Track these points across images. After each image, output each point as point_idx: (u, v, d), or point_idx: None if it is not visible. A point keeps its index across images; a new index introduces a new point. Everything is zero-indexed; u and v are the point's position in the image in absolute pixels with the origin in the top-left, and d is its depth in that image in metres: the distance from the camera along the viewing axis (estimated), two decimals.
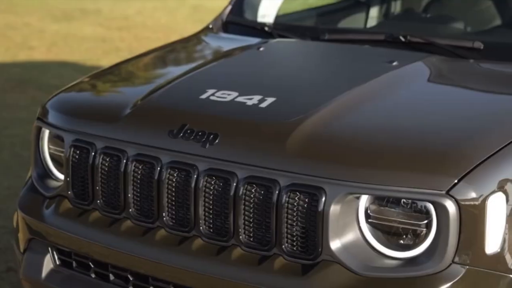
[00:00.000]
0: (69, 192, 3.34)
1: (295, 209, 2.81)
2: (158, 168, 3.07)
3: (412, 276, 2.72)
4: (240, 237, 2.93)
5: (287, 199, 2.81)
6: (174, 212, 3.07)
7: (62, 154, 3.47)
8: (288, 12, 4.77)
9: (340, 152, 2.85)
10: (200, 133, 3.04)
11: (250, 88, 3.27)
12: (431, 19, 4.45)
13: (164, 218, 3.08)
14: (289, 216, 2.82)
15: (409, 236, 2.78)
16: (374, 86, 3.24)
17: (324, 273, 2.77)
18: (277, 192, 2.83)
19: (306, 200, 2.80)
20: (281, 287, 2.81)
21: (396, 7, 4.95)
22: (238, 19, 4.41)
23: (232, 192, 2.91)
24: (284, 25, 4.33)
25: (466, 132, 2.92)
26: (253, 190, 2.89)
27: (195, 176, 2.98)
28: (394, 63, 3.42)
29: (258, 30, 4.24)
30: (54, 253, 3.36)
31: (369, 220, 2.80)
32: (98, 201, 3.25)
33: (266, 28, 4.18)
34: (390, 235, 2.80)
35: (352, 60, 3.61)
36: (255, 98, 3.15)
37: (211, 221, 2.99)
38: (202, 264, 2.97)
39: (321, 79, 3.42)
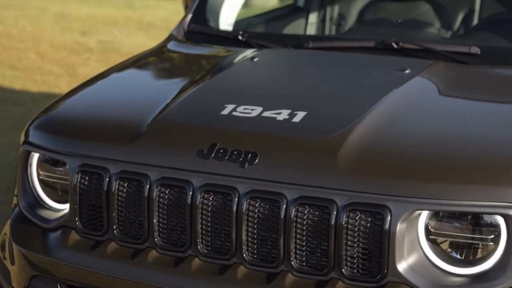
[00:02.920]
0: (77, 223, 3.04)
1: (356, 229, 2.65)
2: (190, 192, 2.83)
3: None
4: (292, 262, 2.74)
5: (346, 219, 2.65)
6: (210, 239, 2.84)
7: (56, 180, 3.17)
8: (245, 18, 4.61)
9: (402, 167, 2.70)
10: (235, 153, 2.82)
11: (271, 101, 3.08)
12: (404, 24, 4.39)
13: (199, 246, 2.84)
14: (349, 238, 2.66)
15: (474, 251, 2.68)
16: (401, 95, 3.12)
17: None
18: (335, 212, 2.66)
19: (369, 219, 2.64)
20: None
21: (365, 12, 4.86)
22: (206, 29, 4.21)
23: (282, 215, 2.71)
24: (262, 34, 4.16)
25: None
26: (306, 212, 2.70)
27: (236, 199, 2.76)
28: (407, 71, 3.32)
29: (230, 39, 4.04)
30: None
31: (430, 237, 2.68)
32: (115, 231, 2.98)
33: (240, 37, 3.98)
34: (453, 251, 2.69)
35: (363, 68, 3.48)
36: (284, 113, 2.97)
37: (255, 246, 2.78)
38: None
39: (341, 89, 3.27)
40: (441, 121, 3.00)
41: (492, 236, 2.63)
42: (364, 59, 3.60)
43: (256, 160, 2.79)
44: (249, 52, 3.80)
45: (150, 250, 2.94)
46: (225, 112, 3.01)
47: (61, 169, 3.18)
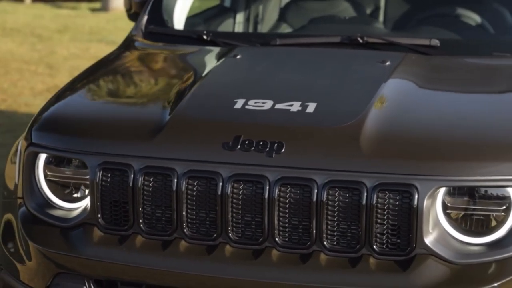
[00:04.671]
0: (100, 220, 3.13)
1: (385, 208, 2.88)
2: (220, 183, 2.98)
3: (500, 259, 2.90)
4: (324, 242, 2.94)
5: (376, 199, 2.87)
6: (240, 226, 3.00)
7: (66, 180, 3.24)
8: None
9: (424, 148, 2.96)
10: (261, 143, 2.99)
11: (278, 95, 3.26)
12: (352, 20, 4.66)
13: (230, 234, 3.00)
14: (379, 216, 2.89)
15: (487, 222, 2.96)
16: (397, 84, 3.37)
17: (424, 266, 2.88)
18: (365, 193, 2.88)
19: (397, 198, 2.88)
20: (386, 286, 2.87)
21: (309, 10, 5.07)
22: (170, 30, 4.35)
23: (314, 199, 2.91)
24: (227, 34, 4.32)
25: None
26: (336, 194, 2.91)
27: (267, 186, 2.94)
28: (388, 63, 3.58)
29: (194, 38, 4.18)
30: (92, 285, 3.12)
31: (447, 211, 2.94)
32: (141, 225, 3.08)
33: (205, 37, 4.13)
34: (468, 223, 2.97)
35: (347, 62, 3.71)
36: (296, 105, 3.16)
37: (287, 230, 2.97)
38: (288, 273, 2.94)
39: (338, 81, 3.48)
40: (442, 105, 3.29)
41: (504, 207, 2.92)
42: (344, 53, 3.84)
43: (283, 149, 2.97)
44: (221, 50, 3.96)
45: (179, 240, 3.06)
46: (238, 106, 3.18)
47: (72, 168, 3.24)
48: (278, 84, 3.44)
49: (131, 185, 3.06)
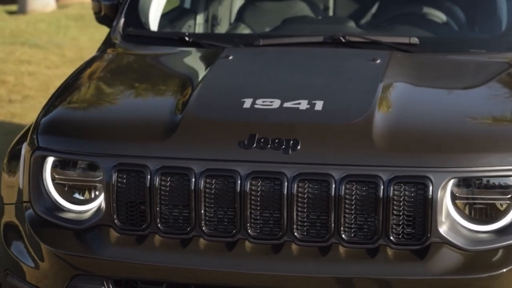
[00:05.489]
0: (115, 221, 3.17)
1: (401, 200, 3.01)
2: (239, 181, 3.05)
3: (507, 245, 3.06)
4: (342, 235, 3.05)
5: (393, 191, 3.00)
6: (259, 222, 3.08)
7: (75, 183, 3.27)
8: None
9: (435, 142, 3.10)
10: (277, 141, 3.08)
11: (284, 93, 3.36)
12: (326, 20, 4.78)
13: (249, 230, 3.08)
14: (395, 207, 3.02)
15: (494, 210, 3.12)
16: (394, 82, 3.50)
17: (440, 253, 3.02)
18: (381, 186, 3.00)
19: (412, 189, 3.01)
20: (405, 274, 2.99)
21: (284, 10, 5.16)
22: (150, 32, 4.40)
23: (332, 193, 3.02)
24: (210, 35, 4.38)
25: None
26: (353, 188, 3.02)
27: (286, 182, 3.03)
28: (378, 61, 3.71)
29: (175, 40, 4.24)
30: (111, 285, 3.16)
31: (456, 201, 3.09)
32: (159, 224, 3.13)
33: (187, 38, 4.19)
34: (476, 212, 3.12)
35: (339, 60, 3.82)
36: (303, 103, 3.26)
37: (305, 224, 3.06)
38: (308, 266, 3.04)
39: (336, 79, 3.60)
40: (442, 101, 3.46)
41: (509, 195, 3.08)
42: (333, 52, 3.95)
43: (299, 146, 3.07)
44: (208, 51, 4.03)
45: (197, 238, 3.13)
46: (247, 105, 3.26)
47: (81, 171, 3.27)
48: (280, 83, 3.53)
49: (148, 185, 3.11)
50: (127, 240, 3.17)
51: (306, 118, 3.19)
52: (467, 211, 3.12)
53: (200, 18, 5.43)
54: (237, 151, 3.09)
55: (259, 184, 3.06)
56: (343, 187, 3.02)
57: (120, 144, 3.20)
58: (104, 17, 4.80)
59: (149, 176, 3.11)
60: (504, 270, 3.03)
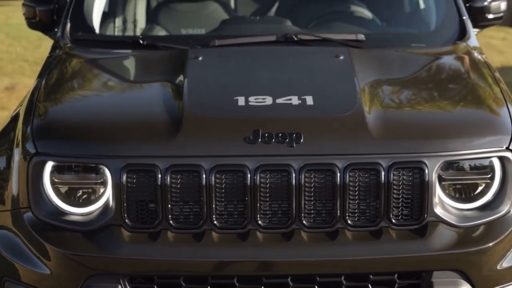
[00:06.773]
0: (126, 220, 3.25)
1: (400, 184, 3.26)
2: (248, 174, 3.21)
3: (490, 220, 3.36)
4: (348, 220, 3.26)
5: (392, 177, 3.24)
6: (268, 213, 3.25)
7: (77, 186, 3.33)
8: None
9: (427, 129, 3.36)
10: (280, 135, 3.26)
11: (273, 90, 3.52)
12: (264, 20, 4.95)
13: (259, 221, 3.24)
14: (395, 191, 3.26)
15: (476, 189, 3.41)
16: (366, 75, 3.71)
17: (437, 231, 3.29)
18: (382, 172, 3.23)
19: (410, 174, 3.26)
20: (408, 251, 3.24)
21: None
22: (94, 36, 4.47)
23: (337, 181, 3.23)
24: (163, 37, 4.48)
25: (485, 100, 3.64)
26: (356, 176, 3.24)
27: (293, 174, 3.21)
28: (342, 57, 3.93)
29: (129, 43, 4.33)
30: (127, 282, 3.23)
31: (442, 183, 3.36)
32: (170, 221, 3.24)
33: (141, 41, 4.27)
34: (461, 191, 3.41)
35: (307, 57, 4.01)
36: (294, 99, 3.45)
37: (312, 212, 3.26)
38: (317, 250, 3.24)
39: (314, 75, 3.79)
40: (417, 91, 3.72)
41: (490, 175, 3.38)
42: (298, 50, 4.14)
43: (302, 139, 3.25)
44: (168, 53, 4.14)
45: (209, 232, 3.25)
46: (241, 103, 3.42)
47: (81, 174, 3.32)
48: (265, 81, 3.70)
49: (159, 183, 3.20)
50: (139, 238, 3.25)
51: (303, 112, 3.38)
52: (452, 192, 3.39)
53: (118, 21, 5.48)
54: (244, 147, 3.24)
55: (267, 177, 3.22)
56: (347, 175, 3.23)
57: (127, 145, 3.27)
58: (39, 23, 4.79)
59: (159, 175, 3.21)
60: (491, 244, 3.32)
